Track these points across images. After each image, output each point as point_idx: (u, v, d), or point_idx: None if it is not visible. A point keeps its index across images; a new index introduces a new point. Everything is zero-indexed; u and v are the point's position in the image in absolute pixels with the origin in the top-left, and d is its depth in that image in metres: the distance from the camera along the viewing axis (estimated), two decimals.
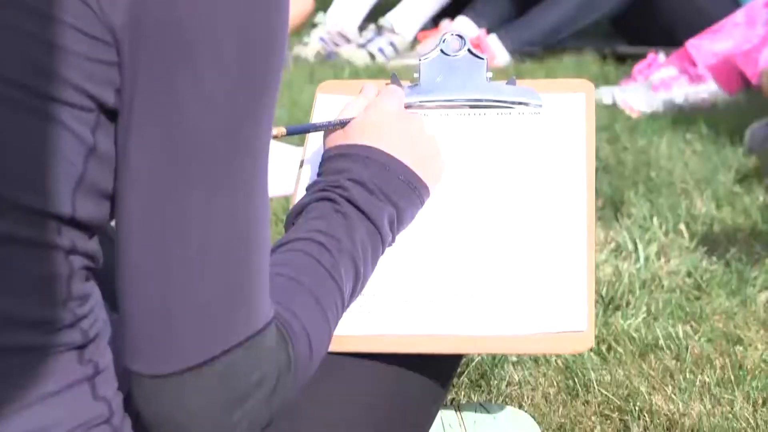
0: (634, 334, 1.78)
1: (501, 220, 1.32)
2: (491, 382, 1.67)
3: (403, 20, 4.14)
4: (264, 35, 1.01)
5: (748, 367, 1.69)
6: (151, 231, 1.01)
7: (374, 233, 1.24)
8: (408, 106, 1.42)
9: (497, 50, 3.75)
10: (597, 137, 2.89)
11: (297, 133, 1.33)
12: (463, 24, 3.99)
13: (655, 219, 2.32)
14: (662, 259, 2.14)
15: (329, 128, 1.32)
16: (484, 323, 1.23)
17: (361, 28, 4.22)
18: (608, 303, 1.91)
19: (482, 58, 1.45)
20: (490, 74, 1.45)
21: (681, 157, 2.74)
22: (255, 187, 1.03)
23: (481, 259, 1.28)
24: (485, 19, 3.97)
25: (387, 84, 1.47)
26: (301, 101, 3.33)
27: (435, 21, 4.24)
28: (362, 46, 4.04)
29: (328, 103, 1.46)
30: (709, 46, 3.37)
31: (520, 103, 1.43)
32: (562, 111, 1.42)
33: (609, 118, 3.08)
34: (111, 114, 1.01)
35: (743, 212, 2.38)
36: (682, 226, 2.30)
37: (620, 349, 1.74)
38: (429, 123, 1.41)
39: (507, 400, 1.63)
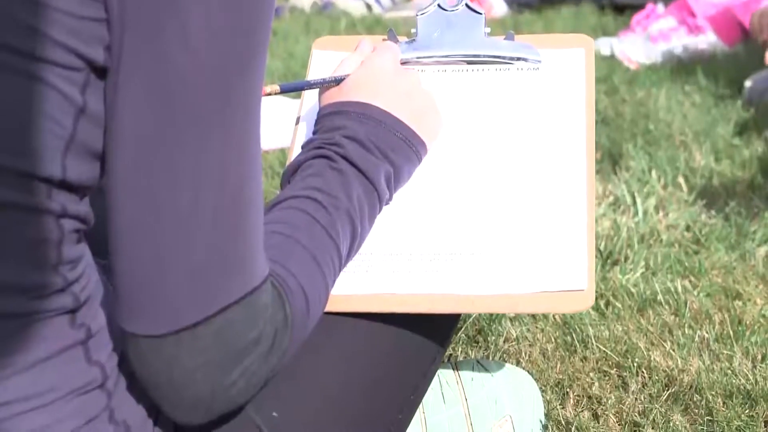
0: (633, 289, 1.77)
1: (500, 177, 1.30)
2: (488, 338, 1.66)
3: None
4: None
5: (747, 322, 1.68)
6: (141, 190, 0.99)
7: (371, 190, 1.23)
8: (404, 62, 1.40)
9: (495, 2, 3.72)
10: (595, 89, 2.88)
11: (291, 90, 1.31)
12: None
13: (653, 172, 2.30)
14: (661, 213, 2.13)
15: (324, 85, 1.30)
16: (484, 282, 1.21)
17: None
18: (606, 257, 1.90)
19: (480, 13, 1.43)
20: (488, 29, 1.43)
21: (680, 110, 2.72)
22: (247, 142, 1.01)
23: (480, 217, 1.27)
24: None
25: (383, 39, 1.45)
26: (297, 52, 3.31)
27: None
28: None
29: (324, 59, 1.44)
30: None
31: (518, 59, 1.41)
32: (562, 67, 1.40)
33: (607, 70, 3.06)
34: (101, 72, 0.99)
35: (742, 165, 2.36)
36: (680, 179, 2.29)
37: (618, 305, 1.73)
38: (426, 79, 1.39)
39: (504, 356, 1.62)
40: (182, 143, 0.98)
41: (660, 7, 3.43)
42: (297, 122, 1.39)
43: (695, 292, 1.76)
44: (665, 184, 2.27)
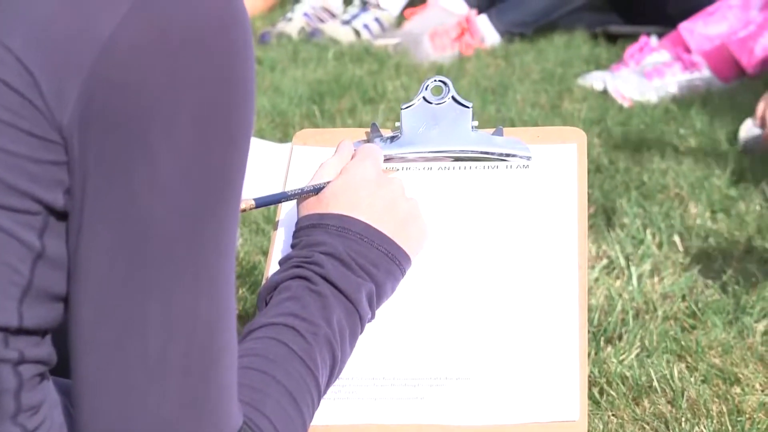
0: (627, 373, 1.70)
1: (488, 294, 1.24)
2: None
3: None
4: (226, 126, 0.94)
5: (747, 412, 1.62)
6: (106, 341, 0.94)
7: (352, 312, 1.17)
8: (388, 159, 1.34)
9: (487, 31, 3.65)
10: (588, 132, 2.82)
11: (267, 204, 1.24)
12: (453, 1, 3.88)
13: (648, 231, 2.24)
14: (656, 278, 2.07)
15: (302, 195, 1.24)
16: (472, 412, 1.15)
17: (347, 2, 4.11)
18: (600, 335, 1.84)
19: (467, 106, 1.37)
20: (475, 123, 1.37)
21: (674, 156, 2.65)
22: (219, 283, 0.96)
23: (467, 340, 1.21)
24: None
25: (366, 133, 1.39)
26: (283, 86, 3.24)
27: None
28: (347, 22, 3.93)
29: (304, 155, 1.38)
30: (703, 29, 3.28)
31: (508, 155, 1.35)
32: (553, 164, 1.34)
33: (600, 110, 2.99)
34: (61, 215, 0.94)
35: (738, 221, 2.30)
36: (676, 238, 2.22)
37: (613, 392, 1.67)
38: (410, 179, 1.32)
39: None
40: (150, 290, 0.93)
41: (653, 40, 3.36)
42: (275, 227, 1.32)
43: (692, 379, 1.70)
44: (660, 243, 2.20)
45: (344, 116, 2.98)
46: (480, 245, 1.28)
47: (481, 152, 1.35)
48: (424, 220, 1.26)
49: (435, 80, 1.37)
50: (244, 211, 1.20)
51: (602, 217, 2.34)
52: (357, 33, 3.90)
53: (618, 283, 2.05)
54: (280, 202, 1.26)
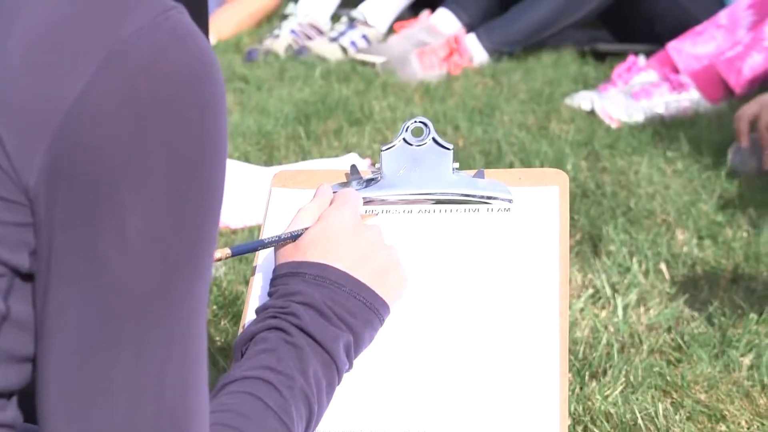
0: (612, 410, 1.69)
1: (469, 342, 1.22)
2: None
3: (376, 12, 4.02)
4: (197, 184, 0.92)
5: None
6: (73, 405, 0.92)
7: (329, 363, 1.15)
8: (368, 202, 1.32)
9: (475, 50, 3.63)
10: (576, 154, 2.81)
11: (244, 253, 1.22)
12: (444, 17, 3.87)
13: (634, 259, 2.22)
14: (641, 308, 2.05)
15: (280, 243, 1.22)
16: None
17: (334, 18, 4.10)
18: (585, 369, 1.82)
19: (448, 148, 1.35)
20: (456, 165, 1.35)
21: (662, 180, 2.64)
22: (190, 348, 0.94)
23: (446, 391, 1.19)
24: (467, 12, 3.84)
25: (346, 174, 1.37)
26: (270, 107, 3.22)
27: (415, 11, 4.11)
28: (334, 39, 3.91)
29: (283, 197, 1.36)
30: (691, 48, 3.26)
31: (489, 198, 1.33)
32: (534, 207, 1.32)
33: (588, 131, 2.98)
34: (26, 276, 0.92)
35: (725, 247, 2.28)
36: (662, 265, 2.21)
37: (596, 431, 1.65)
38: (390, 222, 1.31)
39: None
40: (118, 354, 0.91)
41: (641, 60, 3.35)
42: (253, 272, 1.30)
43: (677, 416, 1.68)
44: (646, 271, 2.19)
45: (330, 138, 2.96)
46: (460, 292, 1.26)
47: (462, 195, 1.33)
48: (402, 268, 1.24)
49: (415, 121, 1.35)
50: (219, 260, 1.19)
51: (588, 244, 2.32)
52: (344, 50, 3.88)
53: (603, 313, 2.03)
54: (257, 250, 1.24)
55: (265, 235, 1.33)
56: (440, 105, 3.20)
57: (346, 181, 1.35)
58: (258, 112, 3.19)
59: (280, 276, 1.20)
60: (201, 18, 2.00)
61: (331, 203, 1.26)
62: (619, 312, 2.01)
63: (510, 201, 1.32)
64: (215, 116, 0.91)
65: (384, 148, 1.35)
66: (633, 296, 2.07)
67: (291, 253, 1.21)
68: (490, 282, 1.26)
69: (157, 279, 0.90)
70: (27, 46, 0.88)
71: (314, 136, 2.97)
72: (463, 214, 1.32)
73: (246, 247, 1.23)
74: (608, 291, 2.10)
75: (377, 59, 3.65)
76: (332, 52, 3.86)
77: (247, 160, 2.83)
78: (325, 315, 1.16)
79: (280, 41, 3.93)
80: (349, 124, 3.06)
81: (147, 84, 0.88)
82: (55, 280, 0.90)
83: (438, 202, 1.33)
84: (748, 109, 2.66)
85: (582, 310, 2.03)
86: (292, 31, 3.99)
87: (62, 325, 0.91)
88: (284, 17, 4.07)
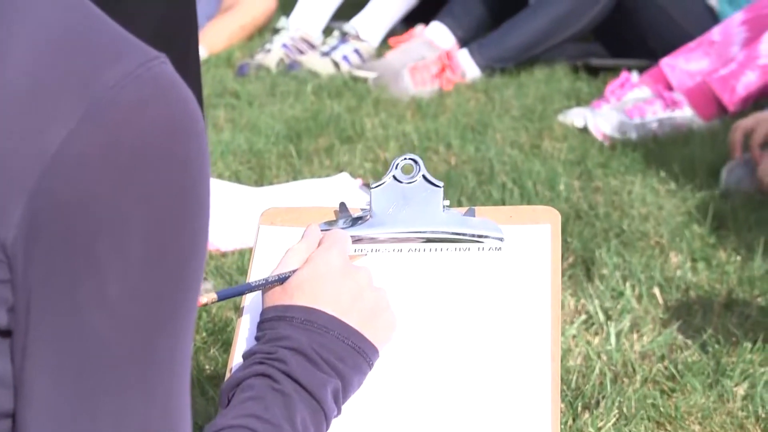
0: None
1: (460, 384, 1.20)
2: None
3: (369, 26, 4.00)
4: (179, 239, 0.90)
5: None
6: None
7: (317, 410, 1.13)
8: (357, 240, 1.30)
9: (468, 66, 3.62)
10: (569, 173, 2.79)
11: (230, 296, 1.21)
12: (438, 31, 3.85)
13: (627, 283, 2.20)
14: (635, 334, 2.03)
15: (267, 286, 1.20)
16: None
17: (326, 33, 4.08)
18: (578, 400, 1.80)
19: (438, 186, 1.33)
20: (446, 202, 1.33)
21: (655, 201, 2.62)
22: (172, 405, 0.92)
23: (439, 430, 1.17)
24: (461, 26, 3.83)
25: (335, 212, 1.35)
26: (260, 124, 3.20)
27: (408, 24, 4.10)
28: (326, 54, 3.89)
29: (271, 235, 1.34)
30: (685, 65, 3.25)
31: (480, 237, 1.31)
32: (526, 247, 1.30)
33: (581, 150, 2.96)
34: (4, 333, 0.90)
35: (719, 270, 2.27)
36: (656, 290, 2.19)
37: None
38: (380, 262, 1.29)
39: None
40: (98, 413, 0.89)
41: (634, 76, 3.34)
42: (240, 314, 1.28)
43: None
44: (640, 296, 2.17)
45: (321, 157, 2.94)
46: (451, 334, 1.24)
47: (453, 233, 1.31)
48: (392, 310, 1.22)
49: (405, 158, 1.33)
50: (205, 305, 1.17)
51: (581, 267, 2.31)
52: (336, 65, 3.87)
53: (596, 340, 2.02)
54: (244, 293, 1.23)
55: (253, 273, 1.31)
56: (432, 122, 3.18)
57: (335, 219, 1.33)
58: (249, 130, 3.17)
59: (268, 320, 1.18)
60: (191, 74, 1.99)
61: (319, 244, 1.24)
62: (612, 339, 1.99)
63: (501, 240, 1.31)
64: (198, 171, 0.89)
65: (373, 185, 1.33)
66: (626, 322, 2.06)
67: (278, 296, 1.19)
68: (482, 323, 1.25)
69: (138, 339, 0.88)
70: (6, 97, 0.86)
71: (305, 155, 2.95)
72: (453, 254, 1.30)
73: (233, 291, 1.21)
74: (601, 317, 2.08)
75: (373, 74, 3.63)
76: (324, 67, 3.84)
77: (237, 179, 2.81)
78: (312, 360, 1.14)
79: (272, 56, 3.91)
80: (340, 142, 3.04)
81: (128, 138, 0.86)
82: (34, 338, 0.88)
83: (428, 240, 1.31)
84: (744, 123, 2.65)
85: (575, 336, 2.02)
86: (284, 46, 3.97)
87: (41, 383, 0.89)
88: (276, 31, 4.05)
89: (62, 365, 0.88)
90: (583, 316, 2.09)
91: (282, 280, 1.19)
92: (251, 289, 1.20)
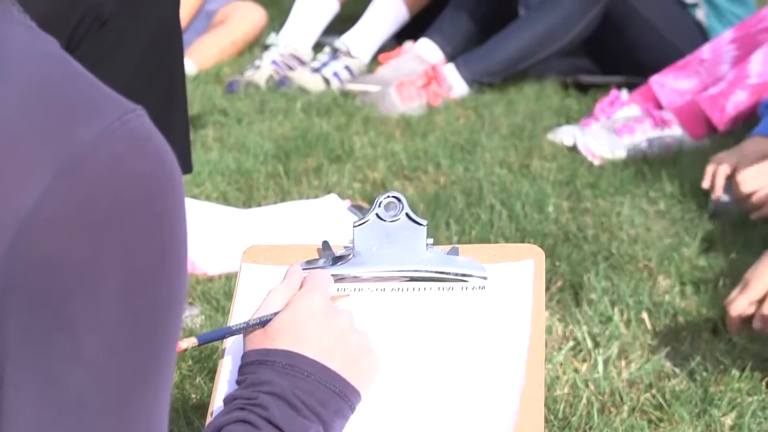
0: None
1: (442, 425, 1.19)
2: None
3: (359, 42, 3.99)
4: (155, 297, 0.89)
5: None
6: None
7: None
8: (340, 279, 1.30)
9: (454, 81, 3.61)
10: (558, 193, 2.78)
11: (211, 341, 1.20)
12: (426, 47, 3.85)
13: (616, 308, 2.20)
14: (623, 361, 2.03)
15: (248, 329, 1.19)
16: None
17: (316, 49, 4.07)
18: (564, 429, 1.79)
19: (422, 225, 1.32)
20: (430, 241, 1.32)
21: (644, 222, 2.62)
22: None
23: None
24: (450, 43, 3.82)
25: (318, 250, 1.34)
26: (249, 143, 3.19)
27: (398, 40, 4.09)
28: (316, 70, 3.89)
29: (254, 273, 1.33)
30: (674, 83, 3.25)
31: (463, 276, 1.30)
32: (509, 284, 1.30)
33: (570, 169, 2.95)
34: None
35: (708, 295, 2.26)
36: (644, 315, 2.18)
37: None
38: (363, 301, 1.28)
39: None
40: None
41: (624, 94, 3.33)
42: (222, 356, 1.27)
43: None
44: (628, 320, 2.16)
45: (310, 177, 2.93)
46: (434, 375, 1.23)
47: (436, 272, 1.31)
48: (374, 353, 1.21)
49: (388, 196, 1.32)
50: (185, 350, 1.16)
51: (570, 291, 2.30)
52: (327, 81, 3.86)
53: (584, 367, 2.01)
54: (225, 337, 1.22)
55: (235, 312, 1.31)
56: (421, 141, 3.17)
57: (317, 257, 1.33)
58: (237, 149, 3.16)
59: (249, 363, 1.17)
60: (178, 95, 1.97)
61: (301, 285, 1.23)
62: (600, 367, 1.98)
63: (485, 278, 1.30)
64: (174, 224, 0.88)
65: (356, 223, 1.32)
66: (614, 348, 2.05)
67: (260, 340, 1.18)
68: (465, 364, 1.24)
69: (114, 396, 0.87)
70: None
71: (294, 175, 2.94)
72: (437, 293, 1.30)
73: (213, 335, 1.21)
74: (589, 343, 2.07)
75: (372, 88, 3.62)
76: (315, 83, 3.83)
77: (226, 200, 2.80)
78: (294, 406, 1.13)
79: (261, 72, 3.90)
80: (329, 162, 3.03)
81: (103, 195, 0.85)
82: (9, 396, 0.87)
83: (412, 279, 1.31)
84: (726, 160, 2.64)
85: (562, 363, 2.01)
86: (274, 62, 3.96)
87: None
88: (266, 47, 4.04)
89: (40, 419, 0.87)
90: (571, 343, 2.08)
91: (263, 323, 1.19)
92: (232, 332, 1.19)
